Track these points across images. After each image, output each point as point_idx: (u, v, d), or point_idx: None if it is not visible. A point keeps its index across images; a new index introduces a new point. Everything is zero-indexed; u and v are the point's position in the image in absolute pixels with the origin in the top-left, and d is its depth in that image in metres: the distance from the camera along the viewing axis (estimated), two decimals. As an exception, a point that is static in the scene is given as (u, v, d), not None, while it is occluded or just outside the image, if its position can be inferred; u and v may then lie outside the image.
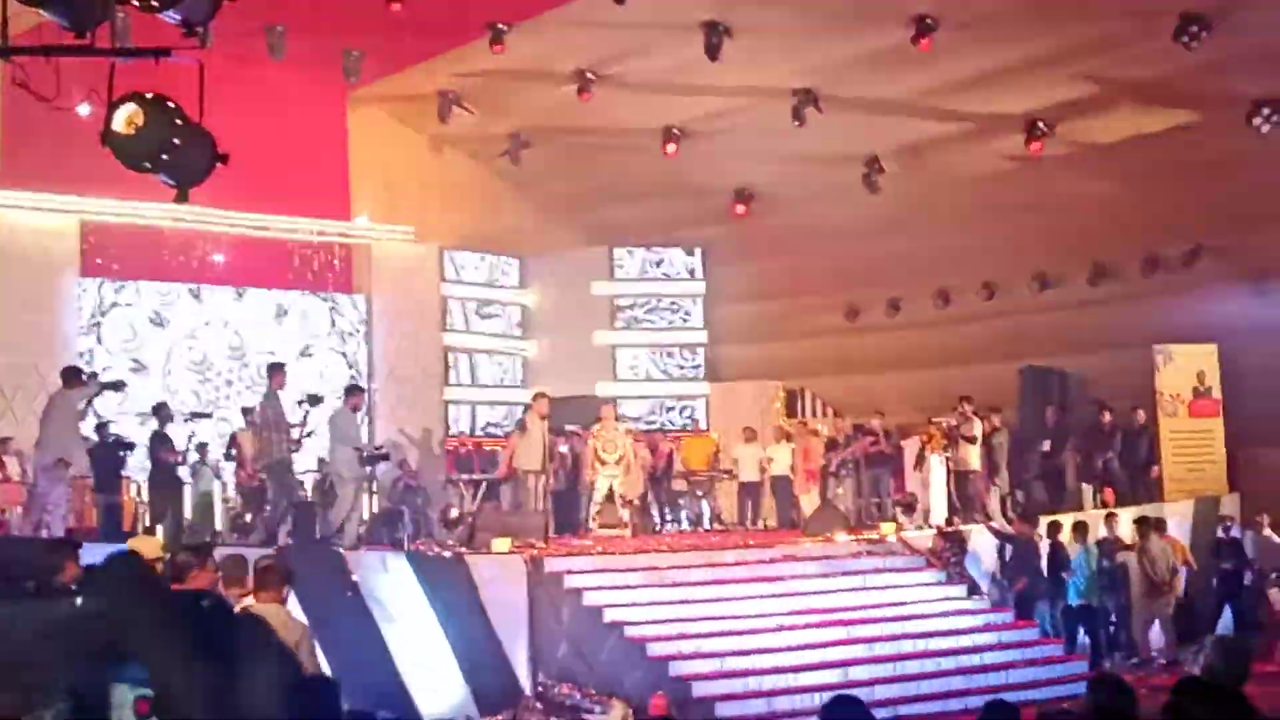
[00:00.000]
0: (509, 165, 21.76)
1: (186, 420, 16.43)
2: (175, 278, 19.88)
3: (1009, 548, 15.54)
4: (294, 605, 8.08)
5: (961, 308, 21.30)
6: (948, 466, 17.62)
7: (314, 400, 15.26)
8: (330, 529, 14.79)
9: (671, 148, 20.38)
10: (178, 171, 5.87)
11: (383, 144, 21.87)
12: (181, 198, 6.02)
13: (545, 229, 23.56)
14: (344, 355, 21.47)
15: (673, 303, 23.24)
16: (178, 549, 6.22)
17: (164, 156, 5.67)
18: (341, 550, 13.72)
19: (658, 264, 23.32)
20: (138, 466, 16.02)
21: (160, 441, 15.22)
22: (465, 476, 18.97)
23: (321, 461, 16.10)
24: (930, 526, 16.69)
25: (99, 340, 19.28)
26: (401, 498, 17.80)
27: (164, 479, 15.19)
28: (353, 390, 15.38)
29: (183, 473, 15.85)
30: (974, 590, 15.11)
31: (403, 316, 21.82)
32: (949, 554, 15.47)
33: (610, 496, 16.88)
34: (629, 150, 20.91)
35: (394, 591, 13.18)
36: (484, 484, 18.76)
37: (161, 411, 15.61)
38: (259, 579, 7.30)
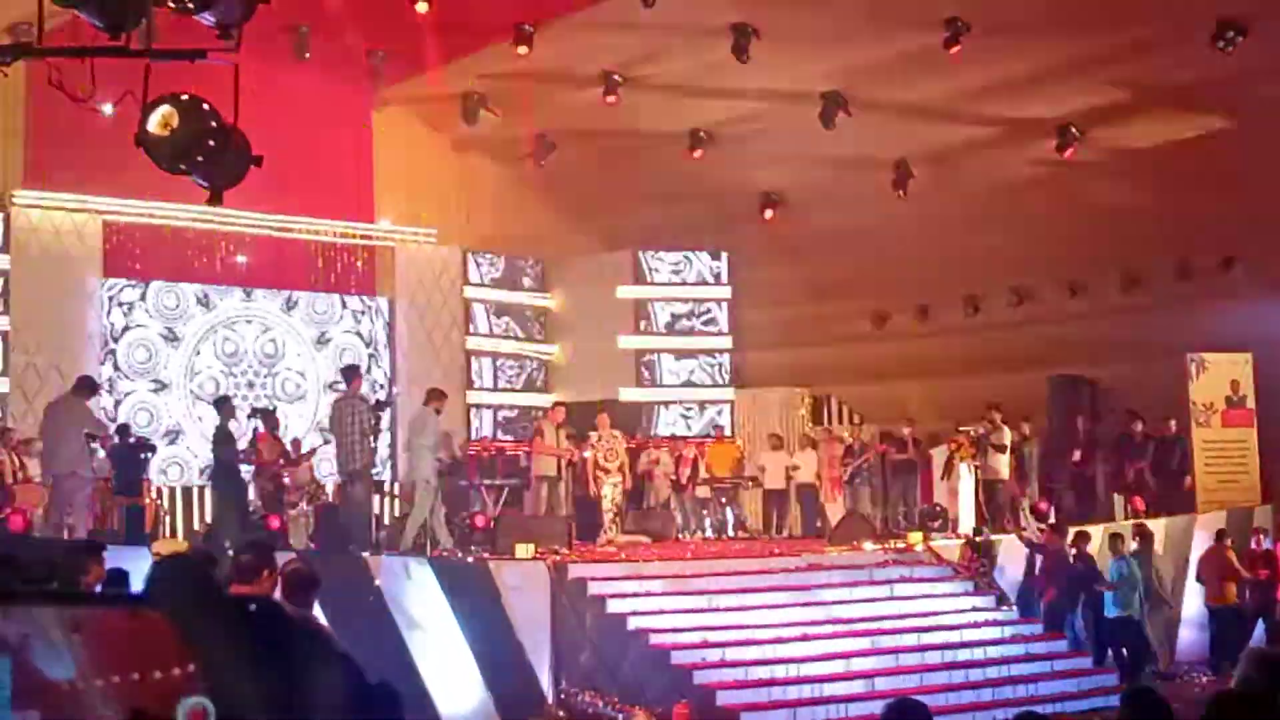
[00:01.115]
0: (533, 168, 21.80)
1: (250, 417, 16.01)
2: (200, 279, 19.99)
3: (1039, 558, 15.50)
4: (318, 611, 8.14)
5: (991, 315, 21.27)
6: (976, 475, 17.61)
7: (264, 414, 15.63)
8: (369, 536, 14.72)
9: (698, 152, 20.39)
10: (212, 173, 5.91)
11: (407, 146, 21.94)
12: (215, 200, 6.07)
13: (569, 232, 23.60)
14: (372, 356, 21.56)
15: (698, 307, 23.23)
16: (240, 550, 6.24)
17: (199, 158, 5.71)
18: (364, 555, 13.80)
19: (682, 269, 23.32)
20: (158, 468, 16.11)
21: (224, 438, 14.74)
22: (488, 481, 19.00)
23: (347, 471, 16.06)
24: (958, 536, 16.70)
25: (113, 341, 19.34)
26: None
27: (226, 476, 14.74)
28: (435, 393, 15.39)
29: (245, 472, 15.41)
30: (1002, 601, 15.08)
31: (425, 319, 21.89)
32: (977, 564, 15.46)
33: (616, 503, 16.98)
34: (655, 153, 20.94)
35: (416, 597, 13.26)
36: (506, 489, 18.83)
37: (224, 405, 15.12)
38: (285, 584, 7.33)
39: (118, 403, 18.96)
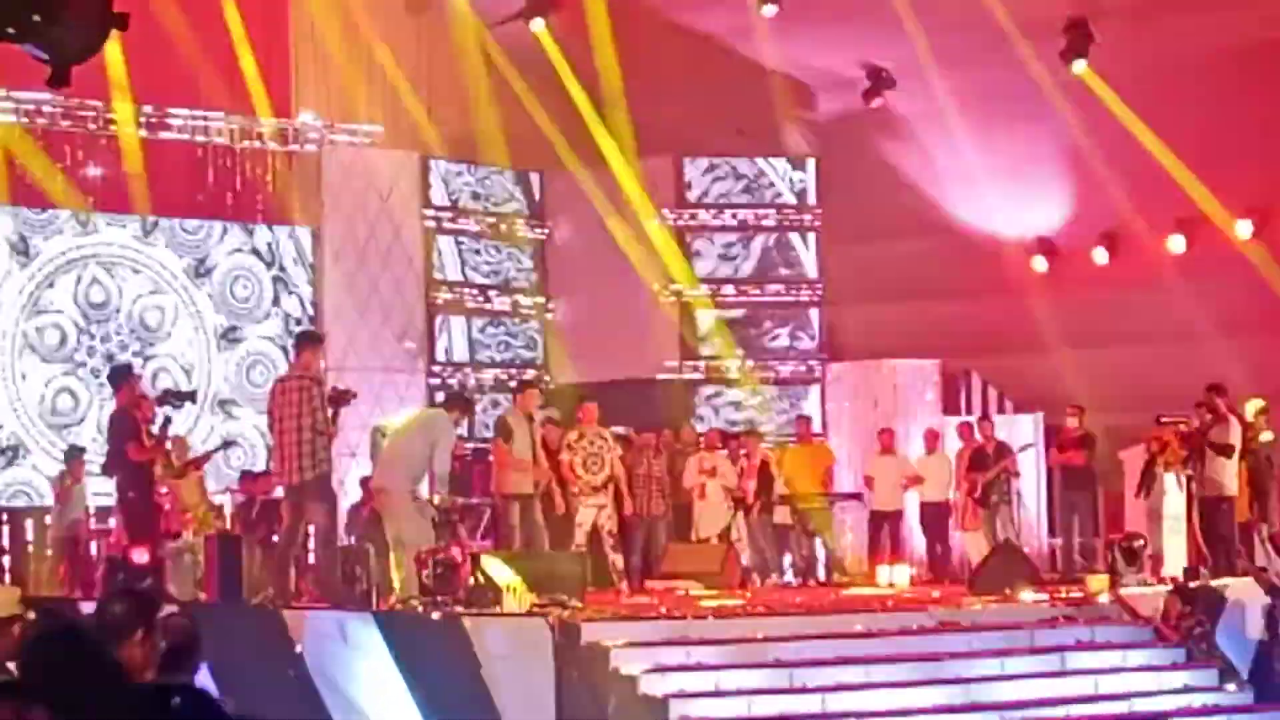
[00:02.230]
0: (522, 34, 21.75)
1: (161, 403, 16.30)
2: (36, 202, 20.10)
3: (1286, 612, 15.48)
4: (207, 681, 8.23)
5: (1212, 247, 21.15)
6: (1190, 490, 17.59)
7: (180, 398, 15.74)
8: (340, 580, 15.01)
9: (770, 8, 20.31)
10: (54, 40, 5.94)
11: (340, 7, 21.93)
12: (58, 80, 6.09)
13: (578, 131, 23.55)
14: (285, 318, 21.69)
15: (773, 241, 23.19)
16: (108, 600, 6.31)
17: (34, 18, 5.74)
18: (278, 610, 13.89)
19: (750, 183, 23.29)
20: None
21: (125, 426, 15.28)
22: (460, 500, 19.09)
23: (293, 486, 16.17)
24: (1162, 580, 16.68)
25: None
26: (366, 530, 17.94)
27: (134, 482, 15.25)
28: (457, 400, 16.01)
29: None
30: (1229, 675, 15.10)
31: (367, 259, 21.96)
32: (1192, 622, 15.45)
33: (595, 533, 17.18)
34: (707, 11, 20.84)
35: (356, 670, 13.33)
36: (488, 512, 18.91)
37: (123, 379, 15.85)
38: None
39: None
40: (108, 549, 17.21)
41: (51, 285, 20.58)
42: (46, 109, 19.67)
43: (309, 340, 15.57)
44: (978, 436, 20.58)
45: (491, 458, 17.86)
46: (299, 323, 21.38)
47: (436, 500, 15.38)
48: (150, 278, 21.18)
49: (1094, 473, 19.89)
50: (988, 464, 19.74)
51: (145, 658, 6.92)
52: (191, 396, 17.47)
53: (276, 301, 21.89)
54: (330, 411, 14.71)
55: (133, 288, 21.06)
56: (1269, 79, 19.53)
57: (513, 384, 20.06)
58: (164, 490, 16.16)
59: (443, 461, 15.18)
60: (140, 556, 14.81)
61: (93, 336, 20.78)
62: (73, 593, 16.59)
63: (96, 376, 20.18)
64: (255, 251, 21.77)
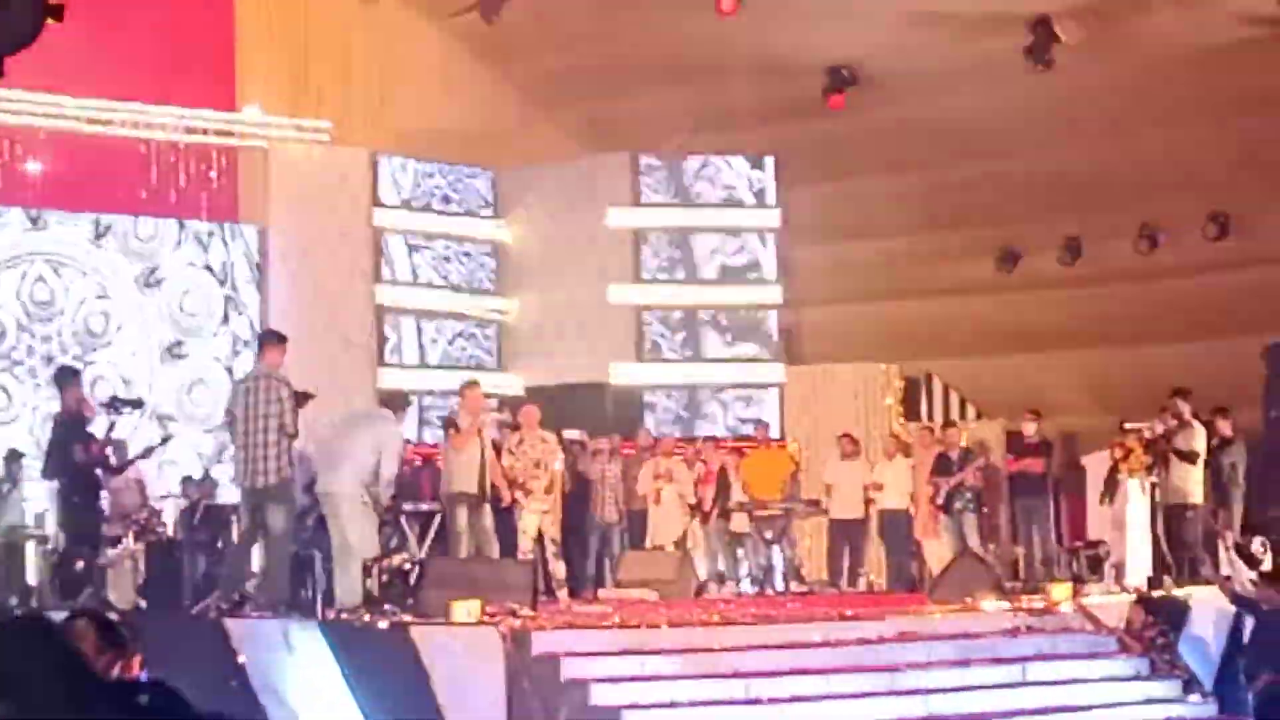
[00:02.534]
0: (479, 26, 21.66)
1: (109, 408, 16.27)
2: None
3: (1249, 621, 15.43)
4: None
5: (1178, 252, 21.22)
6: (1153, 496, 17.57)
7: (126, 405, 15.84)
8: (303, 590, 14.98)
9: (730, 2, 20.25)
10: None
11: (288, -4, 21.92)
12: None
13: (533, 125, 23.60)
14: (226, 320, 21.52)
15: (730, 242, 23.12)
16: (85, 614, 6.25)
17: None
18: (221, 619, 13.76)
19: (705, 181, 23.22)
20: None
21: (71, 428, 15.34)
22: (409, 506, 18.98)
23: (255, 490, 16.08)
24: (1125, 589, 16.66)
25: None
26: (312, 537, 17.79)
27: (78, 487, 15.31)
28: (398, 400, 16.17)
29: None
30: (1193, 687, 15.08)
31: (314, 259, 21.84)
32: (1155, 631, 15.43)
33: (540, 541, 17.06)
34: (665, 8, 20.72)
35: (301, 679, 13.22)
36: (437, 518, 18.81)
37: (68, 380, 15.91)
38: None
39: None
40: (45, 555, 17.06)
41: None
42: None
43: (274, 339, 15.38)
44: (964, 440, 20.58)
45: (440, 460, 17.78)
46: (246, 344, 21.23)
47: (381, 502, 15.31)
48: (98, 282, 21.03)
49: (1051, 480, 19.89)
50: (951, 470, 19.67)
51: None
52: (138, 404, 17.38)
53: (226, 320, 21.77)
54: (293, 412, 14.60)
55: (78, 290, 20.91)
56: (1235, 78, 19.51)
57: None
58: (105, 494, 16.06)
59: (389, 466, 15.04)
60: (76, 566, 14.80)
61: (33, 336, 20.58)
62: (7, 600, 16.38)
63: (34, 376, 20.03)
64: (208, 267, 21.62)
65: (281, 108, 21.90)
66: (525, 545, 17.06)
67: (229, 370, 21.19)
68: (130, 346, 21.21)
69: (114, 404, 16.33)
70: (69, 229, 20.85)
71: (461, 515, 16.22)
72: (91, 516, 15.64)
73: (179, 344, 21.55)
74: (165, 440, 18.66)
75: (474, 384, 16.97)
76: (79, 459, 15.23)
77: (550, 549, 17.24)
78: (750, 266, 23.21)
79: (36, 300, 20.74)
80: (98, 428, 15.90)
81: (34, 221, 20.58)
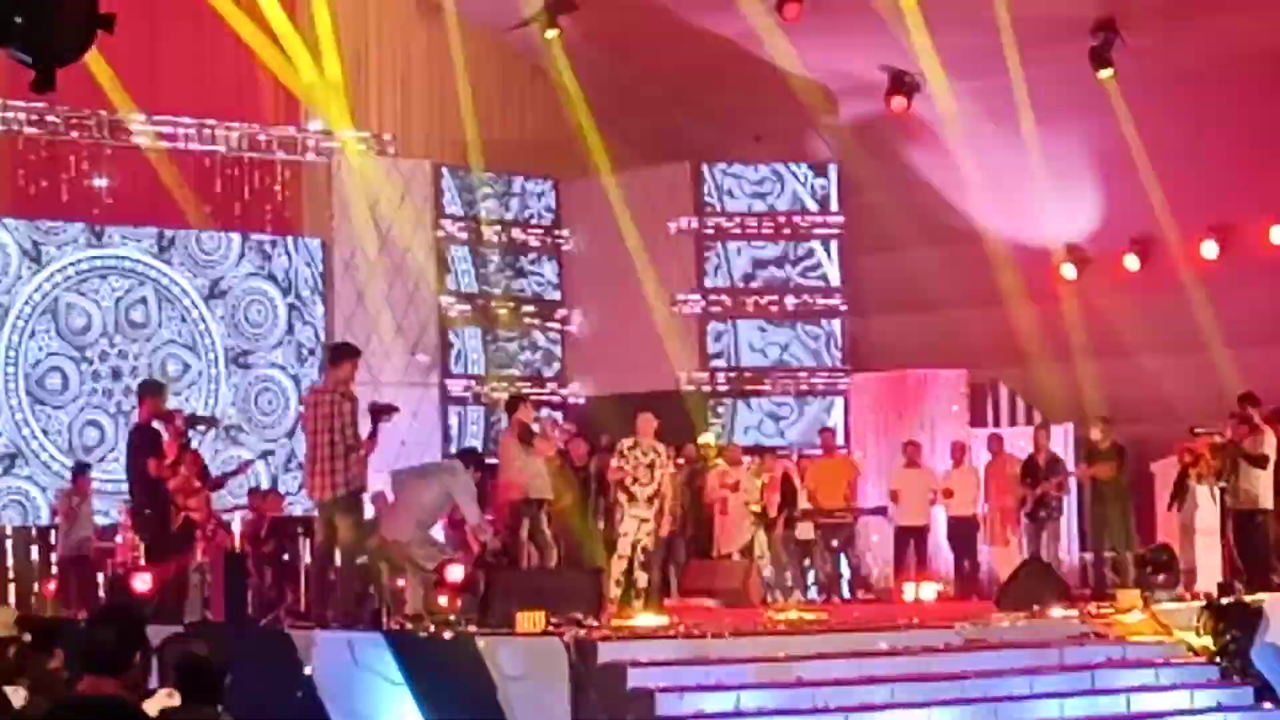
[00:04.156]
0: (535, 40, 21.74)
1: (191, 427, 16.37)
2: (29, 212, 20.14)
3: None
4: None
5: (1248, 253, 21.05)
6: (1224, 503, 17.48)
7: (203, 424, 16.08)
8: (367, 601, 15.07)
9: (793, 9, 20.30)
10: (36, 43, 5.88)
11: (349, 12, 21.94)
12: (43, 84, 6.03)
13: (594, 137, 23.52)
14: (291, 332, 21.66)
15: (794, 250, 23.13)
16: (93, 623, 6.25)
17: (15, 19, 5.67)
18: (288, 631, 13.88)
19: (770, 189, 23.24)
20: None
21: (148, 444, 15.35)
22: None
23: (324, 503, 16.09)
24: (1194, 596, 16.58)
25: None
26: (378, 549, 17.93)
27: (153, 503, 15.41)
28: (473, 456, 16.46)
29: None
30: (1265, 695, 15.00)
31: (377, 270, 22.00)
32: (1226, 638, 15.36)
33: (645, 551, 17.15)
34: (724, 15, 20.79)
35: (366, 691, 13.25)
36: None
37: (152, 393, 15.89)
38: (179, 676, 7.34)
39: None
40: (113, 568, 17.21)
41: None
42: (50, 119, 19.58)
43: (345, 353, 15.34)
44: (1009, 449, 20.47)
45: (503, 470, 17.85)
46: (312, 352, 21.32)
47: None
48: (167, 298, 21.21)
49: (1125, 486, 19.74)
50: (1039, 476, 19.57)
51: (139, 683, 6.86)
52: (213, 422, 17.51)
53: (290, 330, 21.94)
54: (370, 425, 14.60)
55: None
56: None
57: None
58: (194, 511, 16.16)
59: (471, 513, 15.35)
60: (142, 584, 14.80)
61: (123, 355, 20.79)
62: (76, 613, 16.55)
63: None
64: (271, 276, 21.75)
65: (343, 121, 21.97)
66: (623, 547, 17.13)
67: (295, 380, 21.32)
68: (197, 365, 21.35)
69: (191, 422, 16.45)
70: (132, 244, 20.96)
71: (524, 521, 16.27)
72: (163, 529, 15.64)
73: (246, 353, 21.67)
74: (247, 464, 18.91)
75: (521, 397, 17.21)
76: (153, 473, 15.25)
77: (639, 559, 17.30)
78: (815, 273, 23.21)
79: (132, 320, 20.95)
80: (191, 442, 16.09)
81: (98, 236, 20.69)
